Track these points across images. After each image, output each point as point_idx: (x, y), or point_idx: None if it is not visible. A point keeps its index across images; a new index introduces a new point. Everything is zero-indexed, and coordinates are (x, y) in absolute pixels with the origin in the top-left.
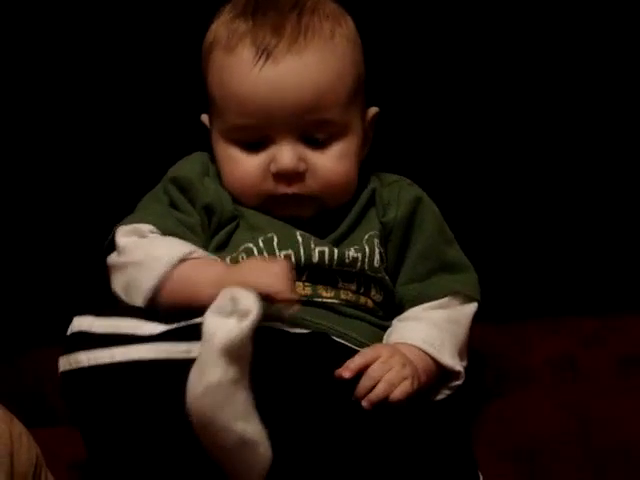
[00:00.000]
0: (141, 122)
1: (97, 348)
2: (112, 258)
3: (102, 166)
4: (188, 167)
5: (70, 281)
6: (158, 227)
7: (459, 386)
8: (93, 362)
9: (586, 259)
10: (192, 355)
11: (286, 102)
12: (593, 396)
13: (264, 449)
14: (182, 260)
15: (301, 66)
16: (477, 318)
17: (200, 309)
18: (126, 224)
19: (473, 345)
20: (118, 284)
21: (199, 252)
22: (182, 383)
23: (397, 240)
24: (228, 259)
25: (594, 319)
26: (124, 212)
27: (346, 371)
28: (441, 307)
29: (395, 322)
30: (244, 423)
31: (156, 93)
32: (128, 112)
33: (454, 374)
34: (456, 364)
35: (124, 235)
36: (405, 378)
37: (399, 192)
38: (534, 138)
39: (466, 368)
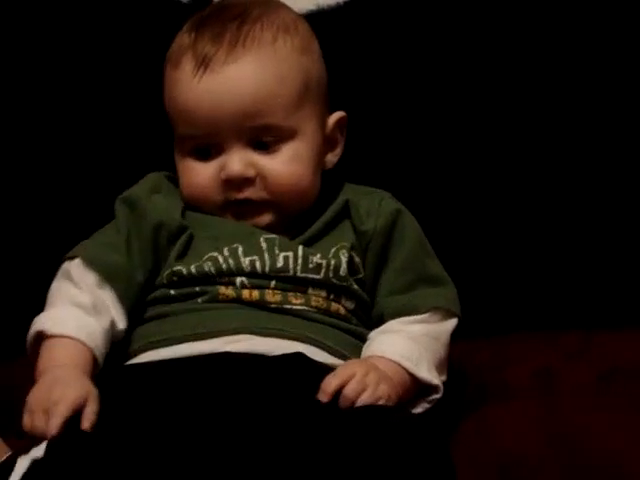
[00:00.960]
0: (140, 124)
1: None
2: (65, 265)
3: (111, 172)
4: (138, 187)
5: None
6: (83, 259)
7: (438, 400)
8: None
9: (567, 273)
10: None
11: (227, 110)
12: (573, 411)
13: None
14: (58, 336)
15: (238, 73)
16: (457, 332)
17: None
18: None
19: (453, 359)
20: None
21: (55, 329)
22: None
23: (376, 250)
24: (193, 268)
25: (575, 333)
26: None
27: (324, 395)
28: (422, 322)
29: (373, 334)
30: None
31: (155, 98)
32: (129, 116)
33: (432, 388)
34: (433, 378)
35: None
36: (380, 398)
37: (380, 202)
38: (517, 151)
39: (445, 383)
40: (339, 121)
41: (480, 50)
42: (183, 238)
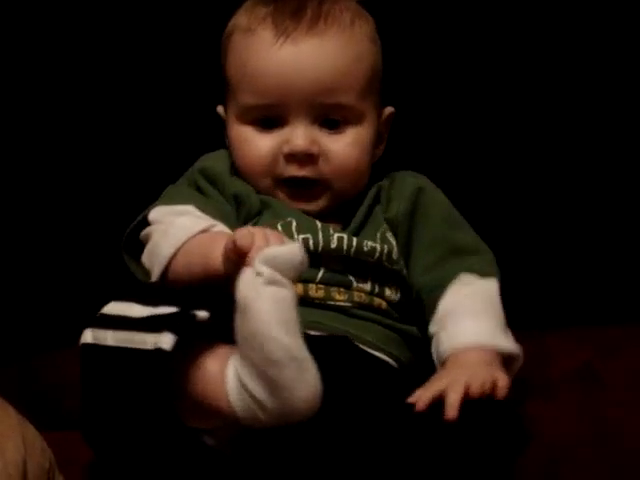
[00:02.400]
0: (153, 119)
1: (101, 328)
2: (144, 231)
3: (121, 168)
4: (215, 161)
5: (89, 283)
6: (197, 207)
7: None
8: (83, 340)
9: (606, 268)
10: (146, 347)
11: (304, 82)
12: (614, 406)
13: (312, 367)
14: (202, 232)
15: (320, 48)
16: None
17: (213, 281)
18: (160, 207)
19: None
20: (145, 254)
21: (220, 226)
22: (138, 371)
23: (404, 233)
24: None
25: (612, 328)
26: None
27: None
28: (465, 288)
29: (434, 331)
30: (293, 339)
31: (167, 91)
32: (141, 112)
33: (515, 357)
34: (512, 345)
35: (159, 214)
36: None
37: (401, 186)
38: (557, 143)
39: None
40: (389, 116)
41: (488, 50)
42: (255, 219)
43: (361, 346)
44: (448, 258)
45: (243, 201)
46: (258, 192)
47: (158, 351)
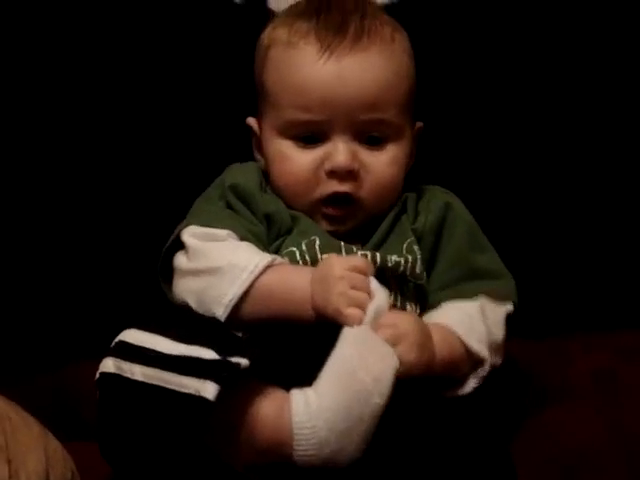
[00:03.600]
0: (179, 130)
1: (126, 360)
2: (181, 262)
3: (146, 173)
4: (246, 176)
5: (114, 296)
6: (235, 232)
7: (485, 377)
8: (104, 368)
9: (624, 272)
10: (186, 391)
11: (348, 96)
12: (633, 411)
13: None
14: (268, 267)
15: (364, 63)
16: (516, 333)
17: (288, 318)
18: (194, 226)
19: (513, 360)
20: (188, 291)
21: (279, 259)
22: (175, 412)
23: (427, 247)
24: None
25: (629, 333)
26: (164, 221)
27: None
28: (473, 304)
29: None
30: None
31: (192, 101)
32: (166, 122)
33: (480, 361)
34: (482, 350)
35: (196, 238)
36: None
37: (429, 199)
38: (569, 155)
39: (505, 383)
40: (418, 130)
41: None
42: (285, 237)
43: None
44: (468, 279)
45: (274, 220)
46: (289, 207)
47: (201, 399)
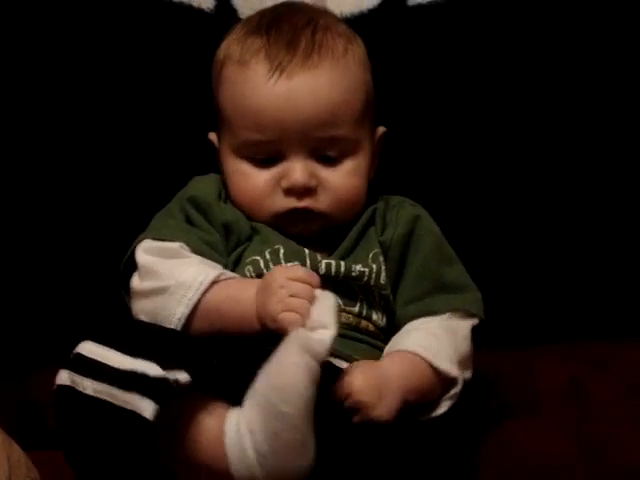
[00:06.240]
0: (148, 140)
1: (79, 374)
2: (135, 282)
3: (112, 185)
4: (205, 188)
5: (79, 304)
6: (188, 245)
7: (458, 395)
8: (60, 381)
9: (592, 283)
10: (127, 407)
11: (300, 117)
12: (601, 423)
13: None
14: (214, 283)
15: (315, 82)
16: (482, 344)
17: (237, 331)
18: (148, 240)
19: (478, 371)
20: (143, 311)
21: (226, 273)
22: (119, 428)
23: (394, 259)
24: (236, 273)
25: (596, 344)
26: (130, 232)
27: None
28: (439, 320)
29: (394, 338)
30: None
31: (162, 112)
32: (135, 133)
33: (452, 381)
34: (452, 369)
35: (147, 254)
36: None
37: (398, 212)
38: (554, 161)
39: (471, 394)
40: (381, 136)
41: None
42: (245, 245)
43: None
44: (434, 293)
45: (232, 229)
46: (249, 218)
47: (140, 417)
